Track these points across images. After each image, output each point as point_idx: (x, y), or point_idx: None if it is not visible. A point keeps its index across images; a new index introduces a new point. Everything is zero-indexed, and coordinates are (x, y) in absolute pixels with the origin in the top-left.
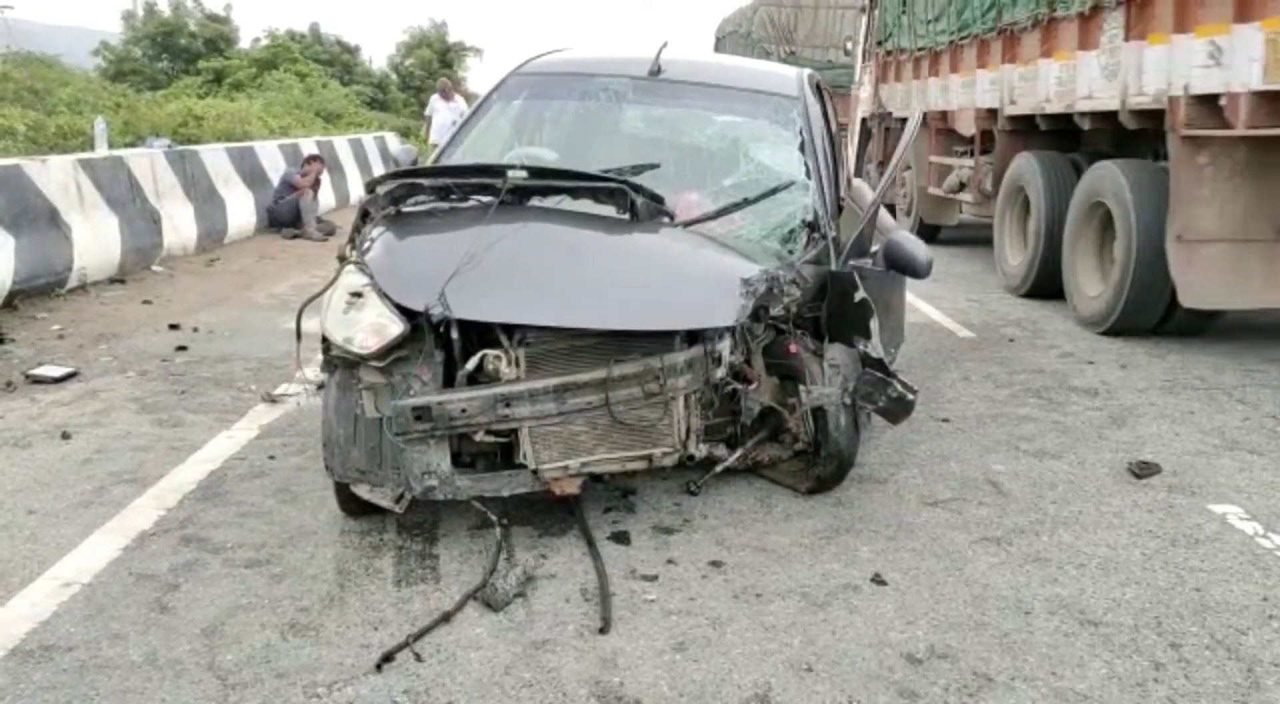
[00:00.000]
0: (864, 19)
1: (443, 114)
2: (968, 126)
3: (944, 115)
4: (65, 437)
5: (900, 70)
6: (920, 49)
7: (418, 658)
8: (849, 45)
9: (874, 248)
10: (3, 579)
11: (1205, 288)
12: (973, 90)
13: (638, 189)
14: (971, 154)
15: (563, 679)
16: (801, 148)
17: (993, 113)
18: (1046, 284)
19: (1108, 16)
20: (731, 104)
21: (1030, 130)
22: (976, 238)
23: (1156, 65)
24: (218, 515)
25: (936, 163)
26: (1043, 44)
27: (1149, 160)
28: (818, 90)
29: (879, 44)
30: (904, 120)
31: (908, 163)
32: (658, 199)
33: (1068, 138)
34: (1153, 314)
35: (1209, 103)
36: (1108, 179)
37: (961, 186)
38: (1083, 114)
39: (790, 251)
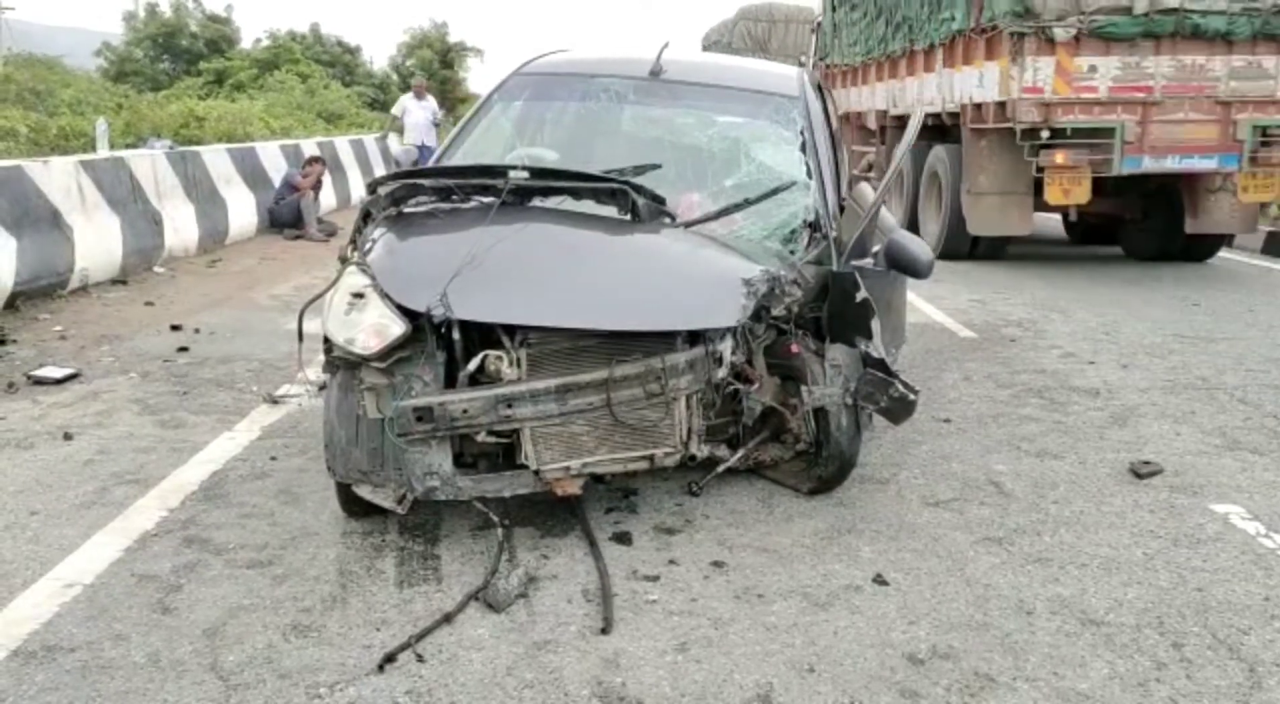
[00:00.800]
0: (814, 38)
1: (416, 114)
2: (872, 123)
3: (859, 114)
4: (67, 437)
5: (835, 80)
6: (846, 65)
7: (419, 658)
8: (803, 59)
9: (875, 248)
10: (5, 580)
11: (983, 222)
12: (874, 97)
13: (639, 189)
14: (874, 143)
15: (565, 680)
16: (803, 148)
17: (885, 113)
18: (913, 232)
19: (937, 52)
20: (732, 104)
21: (905, 126)
22: None
23: (958, 84)
24: (220, 516)
25: (856, 150)
26: (908, 67)
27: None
28: (818, 90)
29: (821, 59)
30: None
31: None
32: (659, 199)
33: (931, 131)
34: (963, 244)
35: (980, 108)
36: (937, 157)
37: (870, 167)
38: (928, 114)
39: (791, 252)
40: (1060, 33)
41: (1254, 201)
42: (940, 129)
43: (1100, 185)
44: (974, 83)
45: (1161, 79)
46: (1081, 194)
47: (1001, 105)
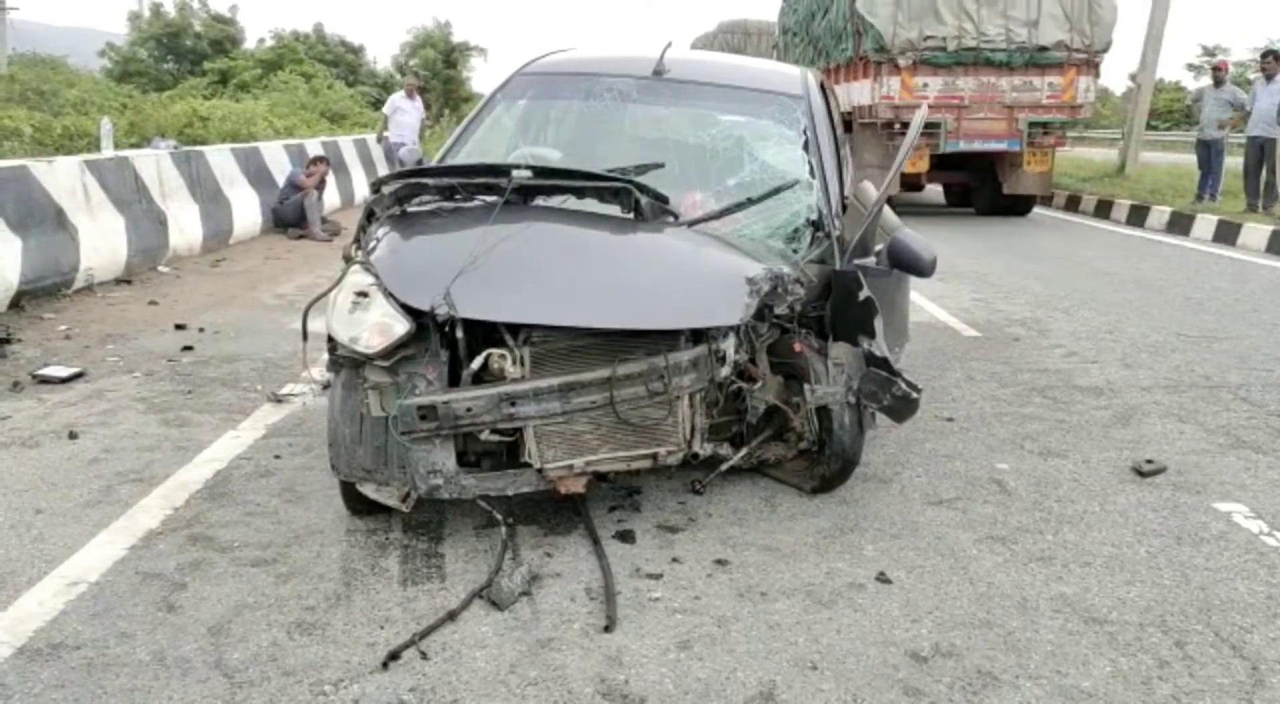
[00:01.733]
0: (774, 53)
1: (410, 114)
2: None
3: None
4: (72, 436)
5: None
6: None
7: (423, 656)
8: None
9: (878, 246)
10: (11, 578)
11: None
12: None
13: (642, 188)
14: None
15: (568, 677)
16: (806, 147)
17: None
18: None
19: (841, 70)
20: (736, 103)
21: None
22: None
23: (854, 92)
24: (224, 515)
25: None
26: (828, 78)
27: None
28: (822, 89)
29: None
30: None
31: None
32: (662, 198)
33: (847, 126)
34: None
35: (861, 108)
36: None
37: None
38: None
39: (795, 250)
40: (903, 61)
41: (1037, 171)
42: (845, 124)
43: (954, 163)
44: (858, 92)
45: (968, 91)
46: (924, 165)
47: (871, 107)
